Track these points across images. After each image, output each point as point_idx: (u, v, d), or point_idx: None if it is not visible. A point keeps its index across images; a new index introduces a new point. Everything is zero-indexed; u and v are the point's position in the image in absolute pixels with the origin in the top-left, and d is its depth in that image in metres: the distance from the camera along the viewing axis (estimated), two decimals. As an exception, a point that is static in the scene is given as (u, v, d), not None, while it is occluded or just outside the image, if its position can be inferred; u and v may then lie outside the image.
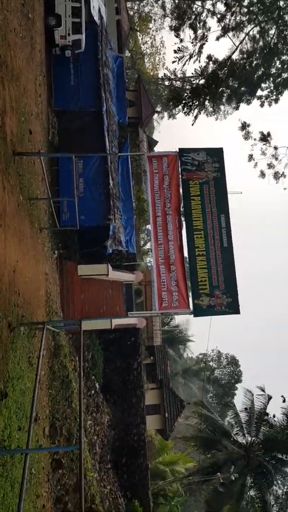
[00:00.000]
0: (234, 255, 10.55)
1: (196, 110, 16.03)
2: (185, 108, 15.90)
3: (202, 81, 17.05)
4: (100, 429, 15.71)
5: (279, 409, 25.57)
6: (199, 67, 17.60)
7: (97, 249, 16.51)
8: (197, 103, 15.02)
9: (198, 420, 25.62)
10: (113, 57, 19.49)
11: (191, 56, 20.92)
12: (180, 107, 15.74)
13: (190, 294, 10.60)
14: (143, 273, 20.00)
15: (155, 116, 56.57)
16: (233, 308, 10.22)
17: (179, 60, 17.92)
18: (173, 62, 17.22)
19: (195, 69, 16.71)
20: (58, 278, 14.29)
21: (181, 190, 10.88)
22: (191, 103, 14.95)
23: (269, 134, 16.25)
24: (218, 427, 25.12)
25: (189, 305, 10.49)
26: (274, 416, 24.40)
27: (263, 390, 25.67)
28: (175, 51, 17.80)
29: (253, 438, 24.86)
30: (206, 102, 16.25)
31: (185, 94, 15.11)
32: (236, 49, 22.70)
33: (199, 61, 21.08)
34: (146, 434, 17.17)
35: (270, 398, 25.57)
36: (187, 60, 20.89)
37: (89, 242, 16.59)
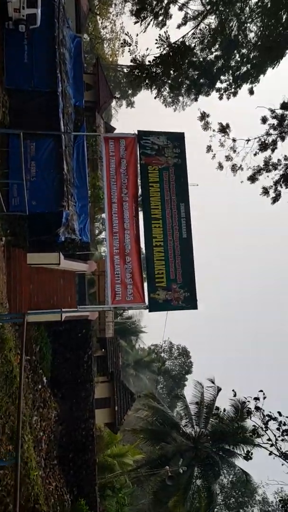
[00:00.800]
0: (193, 247, 10.10)
1: (159, 82, 14.43)
2: (148, 80, 13.85)
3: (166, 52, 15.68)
4: (46, 425, 15.10)
5: (228, 401, 25.91)
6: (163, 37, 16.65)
7: (48, 236, 15.76)
8: (161, 73, 13.85)
9: (148, 412, 25.51)
10: (70, 36, 18.59)
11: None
12: (143, 77, 13.66)
13: (145, 287, 10.05)
14: (97, 263, 19.41)
15: (113, 103, 55.62)
16: (190, 303, 9.79)
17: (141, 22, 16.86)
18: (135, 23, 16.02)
19: (159, 34, 15.13)
20: (5, 266, 13.47)
21: (139, 176, 10.27)
22: (155, 73, 13.41)
23: (228, 125, 15.90)
24: (168, 419, 25.13)
25: (144, 299, 9.97)
26: (224, 410, 24.66)
27: (212, 382, 25.87)
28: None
29: (202, 430, 25.06)
30: (170, 76, 14.89)
31: (149, 63, 13.54)
32: (191, 32, 22.28)
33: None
34: (94, 429, 16.71)
35: (219, 390, 25.81)
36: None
37: (40, 229, 15.79)
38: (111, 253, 9.88)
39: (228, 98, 23.53)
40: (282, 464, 13.62)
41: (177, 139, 10.42)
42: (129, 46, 13.47)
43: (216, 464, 23.64)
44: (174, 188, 10.27)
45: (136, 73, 13.00)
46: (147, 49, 15.90)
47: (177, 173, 10.31)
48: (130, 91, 57.20)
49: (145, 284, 10.12)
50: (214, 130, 16.31)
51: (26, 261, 14.43)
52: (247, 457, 13.28)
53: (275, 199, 16.01)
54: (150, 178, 10.24)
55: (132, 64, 13.48)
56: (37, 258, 14.78)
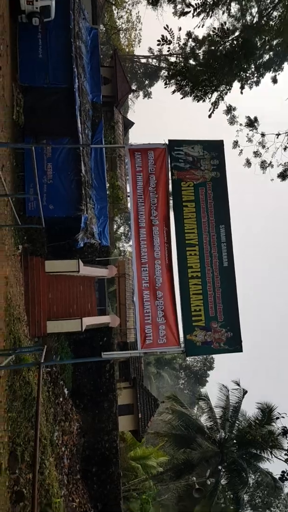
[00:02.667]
0: (235, 277, 8.74)
1: (214, 94, 11.64)
2: (197, 91, 11.24)
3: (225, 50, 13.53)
4: (68, 439, 14.47)
5: (254, 404, 25.05)
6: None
7: (67, 242, 15.05)
8: (214, 83, 11.79)
9: (171, 416, 24.81)
10: (86, 28, 17.65)
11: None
12: (187, 88, 11.23)
13: (180, 327, 8.89)
14: (117, 266, 18.64)
15: (130, 95, 54.44)
16: (234, 344, 8.23)
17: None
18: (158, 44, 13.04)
19: (214, 28, 13.00)
20: (23, 276, 12.77)
21: (170, 194, 8.86)
22: (207, 83, 11.01)
23: (256, 119, 14.85)
24: (192, 423, 24.37)
25: (179, 342, 8.69)
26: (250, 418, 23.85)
27: (238, 384, 24.99)
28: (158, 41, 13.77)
29: (228, 434, 24.25)
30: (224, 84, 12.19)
31: (197, 70, 11.38)
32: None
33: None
34: (118, 441, 16.04)
35: (245, 392, 24.94)
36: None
37: (58, 234, 15.09)
38: (139, 288, 8.31)
39: (250, 88, 22.32)
40: None
41: (214, 149, 8.96)
42: (169, 44, 11.38)
43: (243, 470, 22.81)
44: (212, 207, 8.82)
45: (177, 80, 11.17)
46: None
47: (216, 189, 8.86)
48: (147, 82, 56.00)
49: (180, 324, 8.91)
50: (241, 124, 15.30)
51: (44, 269, 13.72)
52: (283, 478, 12.52)
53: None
54: (184, 196, 8.73)
55: (172, 69, 11.54)
56: (55, 266, 14.08)
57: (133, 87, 43.43)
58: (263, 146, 15.06)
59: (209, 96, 11.44)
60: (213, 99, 12.17)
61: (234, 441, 24.16)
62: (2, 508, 8.24)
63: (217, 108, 12.08)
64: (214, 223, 8.76)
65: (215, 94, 11.99)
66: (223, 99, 12.18)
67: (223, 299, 8.58)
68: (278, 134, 14.88)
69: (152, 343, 8.34)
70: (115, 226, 42.89)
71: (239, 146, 15.29)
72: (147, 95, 56.07)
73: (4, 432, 8.52)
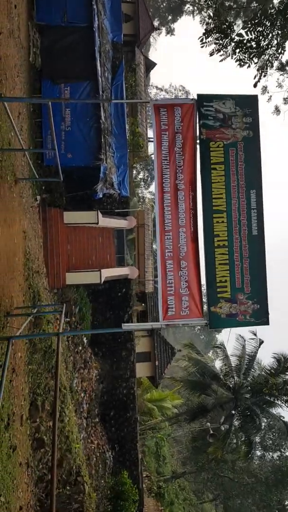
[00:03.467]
0: (265, 246, 8.01)
1: (263, 58, 9.49)
2: (241, 54, 9.18)
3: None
4: (87, 385, 14.91)
5: (270, 353, 25.35)
6: None
7: (85, 192, 14.73)
8: (263, 44, 8.81)
9: (188, 363, 25.34)
10: None
11: None
12: (228, 49, 9.15)
13: (205, 298, 8.53)
14: (136, 216, 18.36)
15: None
16: (260, 317, 7.87)
17: None
18: None
19: None
20: (41, 228, 12.63)
21: (198, 155, 8.03)
22: (254, 44, 8.78)
23: (287, 62, 13.86)
24: (208, 370, 24.88)
25: (203, 314, 8.09)
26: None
27: (254, 334, 25.21)
28: None
29: (242, 381, 24.77)
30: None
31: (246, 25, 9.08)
32: None
33: None
34: (135, 388, 16.49)
35: (261, 342, 25.19)
36: None
37: (77, 184, 14.74)
38: (162, 257, 7.91)
39: None
40: None
41: (248, 105, 8.06)
42: None
43: (257, 416, 23.47)
44: (243, 170, 7.98)
45: (217, 38, 9.12)
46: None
47: (248, 150, 8.01)
48: (170, 17, 52.80)
49: (204, 295, 8.50)
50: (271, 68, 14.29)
51: (63, 221, 13.54)
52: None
53: None
54: (213, 158, 7.90)
55: (211, 23, 9.28)
56: (74, 217, 13.88)
57: (155, 24, 40.98)
58: (294, 92, 14.12)
59: (255, 61, 9.61)
60: (259, 64, 10.13)
61: (248, 388, 24.71)
62: (24, 454, 8.58)
63: (264, 75, 10.13)
64: (245, 188, 8.06)
65: (264, 58, 9.99)
66: (272, 65, 10.25)
67: (250, 269, 8.08)
68: (310, 79, 13.90)
69: (174, 314, 7.95)
70: (134, 172, 42.08)
71: (268, 92, 14.38)
72: (170, 31, 53.15)
73: (25, 384, 8.72)
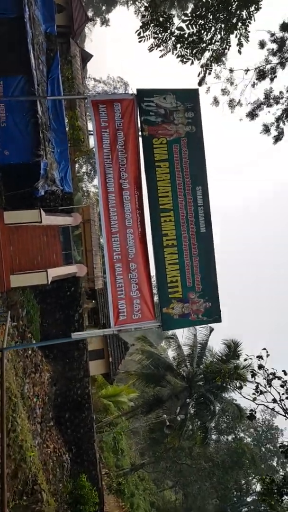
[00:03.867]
0: (213, 243, 7.85)
1: (206, 54, 9.07)
2: (183, 49, 8.60)
3: None
4: (40, 389, 14.47)
5: (220, 340, 25.91)
6: None
7: (26, 191, 14.19)
8: (205, 39, 8.33)
9: (142, 356, 25.37)
10: None
11: None
12: (168, 44, 8.50)
13: (156, 300, 8.32)
14: (81, 213, 17.97)
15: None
16: (212, 315, 7.86)
17: None
18: None
19: None
20: (-19, 230, 12.01)
21: (141, 153, 7.76)
22: (196, 39, 8.23)
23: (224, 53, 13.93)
24: (161, 362, 25.06)
25: (155, 316, 7.94)
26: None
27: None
28: None
29: (196, 369, 25.15)
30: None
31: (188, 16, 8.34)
32: None
33: None
34: (90, 387, 16.22)
35: (212, 330, 25.68)
36: None
37: (17, 182, 14.17)
38: (110, 261, 7.62)
39: (247, 41, 20.85)
40: (286, 419, 13.43)
41: (189, 99, 7.81)
42: None
43: (211, 402, 23.93)
44: (187, 167, 7.75)
45: (156, 32, 8.27)
46: None
47: (191, 145, 7.77)
48: (104, 7, 52.14)
49: (155, 296, 8.29)
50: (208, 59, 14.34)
51: (3, 221, 12.95)
52: (251, 417, 13.01)
53: (278, 138, 14.46)
54: (156, 155, 7.68)
55: (147, 15, 8.36)
56: (15, 217, 13.31)
57: (90, 14, 40.28)
58: (232, 83, 14.28)
59: (199, 57, 9.15)
60: (203, 60, 9.67)
61: (202, 375, 25.14)
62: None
63: (209, 73, 9.86)
64: (190, 185, 7.84)
65: (207, 54, 9.43)
66: (217, 61, 9.75)
67: (200, 267, 7.93)
68: (247, 70, 14.07)
69: (126, 319, 7.77)
70: (76, 166, 41.33)
71: (206, 83, 14.41)
72: (105, 22, 52.56)
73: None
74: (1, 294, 12.96)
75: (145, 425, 31.99)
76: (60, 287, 15.61)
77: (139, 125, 7.80)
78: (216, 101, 14.66)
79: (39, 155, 13.61)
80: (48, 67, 15.59)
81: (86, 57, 23.11)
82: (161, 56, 8.77)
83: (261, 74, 15.05)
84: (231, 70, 14.13)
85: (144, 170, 7.83)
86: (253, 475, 41.32)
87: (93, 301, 20.20)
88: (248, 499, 44.66)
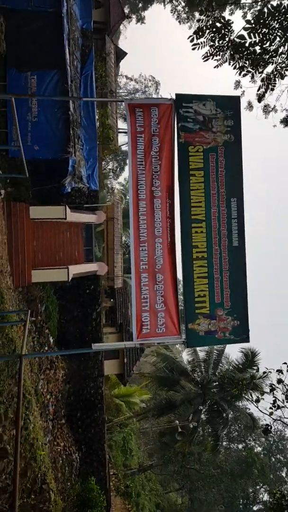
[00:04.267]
0: (246, 258, 7.53)
1: (269, 67, 8.30)
2: (242, 60, 7.84)
3: None
4: (53, 386, 14.43)
5: (238, 348, 25.50)
6: None
7: (53, 186, 14.15)
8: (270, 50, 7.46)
9: (157, 358, 25.19)
10: None
11: None
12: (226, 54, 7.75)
13: (182, 314, 8.00)
14: (105, 211, 17.87)
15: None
16: (240, 334, 7.44)
17: None
18: None
19: None
20: (5, 223, 12.00)
21: (176, 160, 7.39)
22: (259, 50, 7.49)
23: (262, 58, 13.56)
24: (176, 366, 24.82)
25: (180, 331, 7.51)
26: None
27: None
28: None
29: (211, 376, 24.85)
30: None
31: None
32: None
33: None
34: (103, 387, 16.12)
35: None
36: None
37: (44, 178, 14.13)
38: (136, 270, 7.25)
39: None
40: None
41: (230, 106, 7.41)
42: None
43: (224, 411, 23.61)
44: (223, 177, 7.37)
45: (213, 38, 7.49)
46: None
47: (229, 155, 7.40)
48: (140, 5, 51.92)
49: (181, 310, 7.99)
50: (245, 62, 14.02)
51: (29, 216, 12.93)
52: (266, 431, 12.70)
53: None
54: (192, 163, 7.30)
55: (204, 19, 7.72)
56: (41, 212, 13.29)
57: (126, 11, 40.16)
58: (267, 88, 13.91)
59: (260, 70, 8.29)
60: (263, 75, 8.71)
61: (216, 383, 24.82)
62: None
63: (272, 89, 8.79)
64: (225, 196, 7.49)
65: (270, 67, 8.50)
66: (283, 77, 8.49)
67: (231, 283, 7.55)
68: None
69: (149, 332, 7.38)
70: (103, 163, 41.33)
71: (241, 87, 14.10)
72: (140, 20, 52.31)
73: (-14, 394, 8.21)
74: (22, 288, 12.95)
75: (155, 427, 31.80)
76: (80, 285, 15.53)
77: (175, 131, 7.50)
78: (250, 106, 14.32)
79: (68, 152, 13.56)
80: (83, 63, 15.53)
81: (120, 54, 23.00)
82: (216, 67, 8.16)
83: (298, 80, 14.64)
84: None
85: (178, 178, 7.53)
86: (261, 484, 40.83)
87: (112, 300, 20.10)
88: (255, 508, 44.17)
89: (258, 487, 40.94)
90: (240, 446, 40.67)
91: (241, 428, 37.59)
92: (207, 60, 7.86)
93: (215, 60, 7.81)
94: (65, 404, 15.32)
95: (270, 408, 13.32)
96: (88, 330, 15.80)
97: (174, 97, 7.45)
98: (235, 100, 7.82)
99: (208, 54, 7.79)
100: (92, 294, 15.80)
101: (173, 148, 7.51)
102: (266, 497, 43.04)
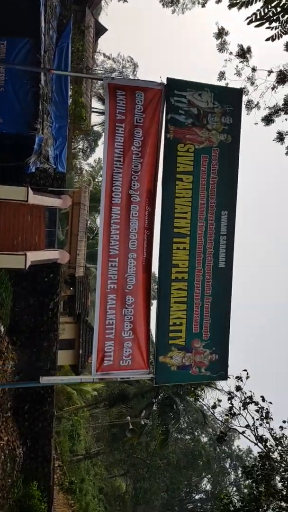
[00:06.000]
0: (232, 282, 6.42)
1: None
2: None
3: None
4: (1, 377, 13.57)
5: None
6: None
7: (16, 164, 13.05)
8: None
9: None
10: None
11: None
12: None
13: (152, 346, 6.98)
14: (72, 196, 16.91)
15: (105, -6, 48.67)
16: (218, 370, 6.44)
17: None
18: None
19: None
20: None
21: (161, 159, 6.15)
22: None
23: (249, 49, 12.87)
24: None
25: (148, 365, 6.43)
26: None
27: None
28: None
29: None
30: None
31: None
32: None
33: None
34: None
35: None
36: None
37: (7, 154, 13.00)
38: (102, 290, 6.01)
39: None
40: (255, 444, 12.85)
41: (229, 101, 6.26)
42: None
43: (176, 405, 23.43)
44: (215, 185, 6.20)
45: None
46: None
47: (224, 159, 6.25)
48: (125, -19, 50.05)
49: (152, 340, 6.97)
50: (231, 53, 13.35)
51: (-13, 195, 11.87)
52: (221, 439, 12.42)
53: (291, 150, 13.63)
54: (180, 165, 6.09)
55: None
56: (1, 192, 12.21)
57: (110, -15, 38.40)
58: (252, 83, 13.34)
59: None
60: None
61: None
62: None
63: None
64: (215, 208, 6.32)
65: None
66: None
67: (212, 311, 6.46)
68: (270, 72, 13.12)
69: (112, 364, 6.25)
70: (73, 142, 39.84)
71: (225, 79, 13.47)
72: (124, -4, 50.40)
73: None
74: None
75: (105, 414, 31.47)
76: (38, 272, 14.61)
77: (163, 124, 6.25)
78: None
79: (35, 129, 12.49)
80: (59, 34, 14.39)
81: (100, 30, 21.73)
82: (270, 39, 6.14)
83: (282, 78, 14.13)
84: (253, 69, 13.18)
85: (162, 182, 6.30)
86: (205, 474, 41.55)
87: (71, 289, 19.27)
88: (196, 497, 45.05)
89: (202, 477, 41.64)
90: (188, 437, 41.06)
91: (190, 420, 37.82)
92: (259, 26, 5.75)
93: (268, 28, 5.78)
94: (12, 396, 14.50)
95: (226, 415, 13.05)
96: (44, 320, 14.97)
97: (165, 81, 6.20)
98: (237, 94, 6.73)
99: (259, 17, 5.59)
100: (51, 282, 14.94)
101: (159, 144, 6.31)
102: (208, 486, 44.00)
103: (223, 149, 6.44)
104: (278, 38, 5.83)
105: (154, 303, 6.61)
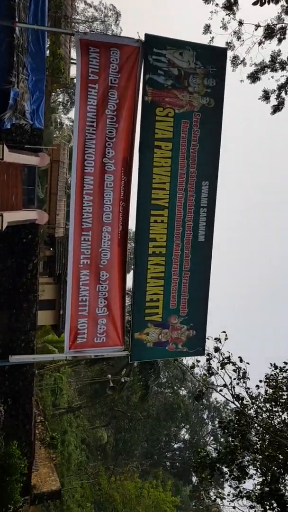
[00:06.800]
0: (211, 257, 6.08)
1: None
2: None
3: None
4: (-20, 339, 13.51)
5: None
6: None
7: (-10, 120, 12.43)
8: None
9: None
10: None
11: None
12: None
13: (127, 321, 6.74)
14: (50, 153, 16.33)
15: None
16: (195, 345, 6.33)
17: None
18: None
19: None
20: None
21: (138, 124, 5.66)
22: None
23: (236, 1, 12.25)
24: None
25: (123, 342, 6.34)
26: None
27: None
28: None
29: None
30: None
31: None
32: None
33: None
34: (35, 341, 15.37)
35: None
36: None
37: (-20, 109, 12.34)
38: (75, 266, 5.79)
39: None
40: (232, 402, 13.24)
41: (213, 61, 5.65)
42: None
43: (156, 362, 23.85)
44: (195, 153, 5.78)
45: None
46: None
47: (206, 125, 5.77)
48: None
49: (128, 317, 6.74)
50: (217, 5, 12.67)
51: None
52: (198, 397, 12.72)
53: (277, 108, 13.25)
54: (158, 131, 5.61)
55: None
56: (-26, 150, 11.66)
57: None
58: (239, 38, 12.75)
59: None
60: None
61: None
62: None
63: None
64: (195, 178, 5.94)
65: None
66: None
67: (190, 286, 6.26)
68: (257, 26, 12.54)
69: (85, 342, 6.18)
70: (52, 94, 38.32)
71: (210, 32, 12.82)
72: None
73: None
74: None
75: (87, 370, 32.05)
76: (15, 232, 14.28)
77: (141, 85, 5.69)
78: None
79: (10, 82, 11.84)
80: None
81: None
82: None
83: (269, 32, 13.56)
84: (240, 23, 12.58)
85: (139, 150, 5.84)
86: (183, 425, 43.21)
87: (51, 249, 18.99)
88: (175, 446, 47.06)
89: (180, 428, 43.30)
90: (167, 391, 42.29)
91: (170, 376, 38.85)
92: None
93: None
94: (-8, 357, 14.50)
95: (204, 374, 13.32)
96: (23, 282, 14.77)
97: (143, 38, 5.59)
98: (221, 54, 6.14)
99: None
100: (29, 244, 14.64)
101: (135, 107, 5.78)
102: (187, 436, 45.92)
103: (205, 114, 5.99)
104: (268, 3, 5.59)
105: (131, 277, 6.45)
